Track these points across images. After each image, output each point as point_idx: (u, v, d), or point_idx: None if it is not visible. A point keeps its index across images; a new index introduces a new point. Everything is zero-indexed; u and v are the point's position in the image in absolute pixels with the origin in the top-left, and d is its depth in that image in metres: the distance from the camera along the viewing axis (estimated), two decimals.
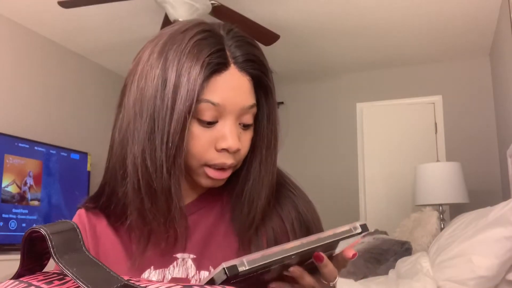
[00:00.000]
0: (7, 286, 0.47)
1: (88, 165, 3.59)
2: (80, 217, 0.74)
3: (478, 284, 1.69)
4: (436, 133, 4.09)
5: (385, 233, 3.07)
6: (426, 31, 3.51)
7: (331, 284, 0.59)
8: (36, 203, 3.14)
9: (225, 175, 0.67)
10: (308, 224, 0.72)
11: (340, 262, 0.59)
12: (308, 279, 0.57)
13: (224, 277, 0.46)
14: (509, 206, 1.74)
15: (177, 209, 0.64)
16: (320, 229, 0.74)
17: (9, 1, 3.07)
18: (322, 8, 3.16)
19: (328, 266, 0.56)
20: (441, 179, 3.22)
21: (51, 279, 0.48)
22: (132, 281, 0.43)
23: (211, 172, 0.66)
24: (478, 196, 3.52)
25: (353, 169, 4.31)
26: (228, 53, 0.64)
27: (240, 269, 0.47)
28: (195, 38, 0.63)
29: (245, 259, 0.47)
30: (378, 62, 4.16)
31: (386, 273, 2.46)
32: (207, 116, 0.63)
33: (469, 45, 3.78)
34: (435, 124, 4.10)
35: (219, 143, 0.64)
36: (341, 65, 4.25)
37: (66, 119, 3.75)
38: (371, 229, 3.20)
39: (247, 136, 0.68)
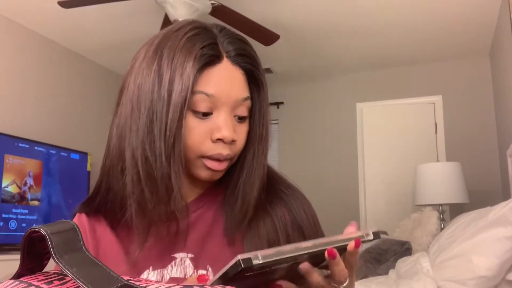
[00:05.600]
0: (7, 286, 0.47)
1: (88, 165, 3.60)
2: (80, 219, 0.74)
3: (478, 284, 1.69)
4: (436, 133, 4.09)
5: (385, 233, 3.07)
6: (426, 31, 3.51)
7: (341, 286, 0.59)
8: (36, 203, 3.14)
9: (222, 166, 0.68)
10: (301, 223, 0.72)
11: (347, 261, 0.59)
12: (316, 276, 0.58)
13: (239, 269, 0.47)
14: (509, 206, 1.74)
15: (178, 197, 0.64)
16: (316, 227, 0.74)
17: (9, 1, 3.07)
18: (322, 8, 3.16)
19: (339, 265, 0.57)
20: (441, 179, 3.22)
21: (51, 279, 0.48)
22: (132, 281, 0.43)
23: (209, 163, 0.67)
24: (478, 196, 3.52)
25: (353, 169, 4.31)
26: (220, 48, 0.67)
27: (255, 262, 0.47)
28: (188, 34, 0.66)
29: (259, 253, 0.48)
30: (378, 62, 4.16)
31: (386, 273, 2.46)
32: (202, 107, 0.65)
33: (469, 45, 3.78)
34: (435, 124, 4.10)
35: (214, 133, 0.66)
36: (341, 65, 4.25)
37: (66, 119, 3.75)
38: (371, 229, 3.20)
39: (242, 128, 0.70)
